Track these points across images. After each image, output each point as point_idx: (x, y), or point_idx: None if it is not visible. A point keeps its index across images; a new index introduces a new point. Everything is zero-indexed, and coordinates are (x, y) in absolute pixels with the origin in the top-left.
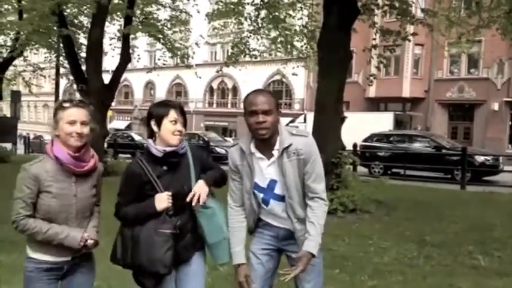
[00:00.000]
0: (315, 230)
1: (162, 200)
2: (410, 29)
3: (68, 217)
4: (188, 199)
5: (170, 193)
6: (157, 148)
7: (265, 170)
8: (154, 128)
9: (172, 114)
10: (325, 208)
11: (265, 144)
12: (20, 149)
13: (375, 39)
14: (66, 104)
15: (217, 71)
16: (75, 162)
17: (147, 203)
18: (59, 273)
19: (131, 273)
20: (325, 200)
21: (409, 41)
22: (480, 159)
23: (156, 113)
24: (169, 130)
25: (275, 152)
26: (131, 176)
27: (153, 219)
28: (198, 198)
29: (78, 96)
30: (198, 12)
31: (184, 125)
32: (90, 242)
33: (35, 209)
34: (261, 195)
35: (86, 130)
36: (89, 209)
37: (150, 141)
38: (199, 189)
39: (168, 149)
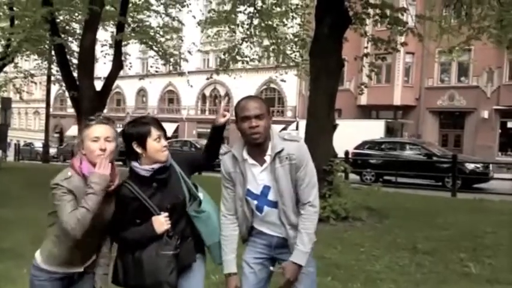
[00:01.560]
0: (303, 240)
1: (161, 223)
2: (401, 40)
3: (86, 233)
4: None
5: (166, 214)
6: (144, 169)
7: (259, 176)
8: (138, 149)
9: (154, 131)
10: (316, 216)
11: (257, 150)
12: (10, 156)
13: (366, 47)
14: (91, 122)
15: (208, 78)
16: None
17: (146, 227)
18: (70, 282)
19: None
20: (316, 206)
21: (398, 51)
22: (470, 166)
23: (136, 134)
24: (157, 149)
25: (267, 158)
26: (122, 202)
27: (154, 242)
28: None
29: (69, 103)
30: (194, 17)
31: (165, 136)
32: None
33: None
34: (254, 202)
35: (110, 146)
36: (105, 227)
37: (135, 163)
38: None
39: (156, 166)
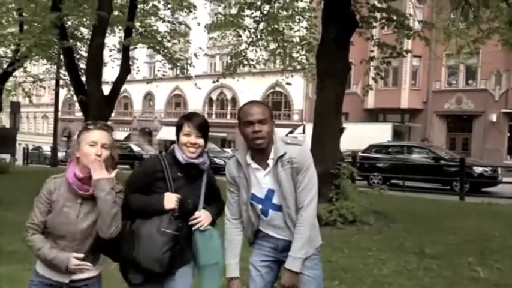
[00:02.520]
0: (296, 246)
1: (171, 200)
2: (407, 43)
3: (68, 236)
4: (192, 220)
5: (180, 197)
6: (182, 156)
7: (262, 180)
8: (175, 138)
9: (185, 127)
10: (310, 220)
11: (260, 154)
12: (19, 160)
13: (372, 51)
14: (90, 126)
15: (214, 82)
16: (79, 184)
17: (156, 197)
18: None
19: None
20: (310, 211)
21: (404, 56)
22: (479, 170)
23: (176, 126)
24: (182, 142)
25: (270, 162)
26: (148, 168)
27: (156, 217)
28: (199, 222)
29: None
30: (199, 24)
31: (203, 138)
32: (76, 266)
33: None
34: (259, 206)
35: (105, 153)
36: (90, 234)
37: (176, 146)
38: (205, 216)
39: (193, 160)
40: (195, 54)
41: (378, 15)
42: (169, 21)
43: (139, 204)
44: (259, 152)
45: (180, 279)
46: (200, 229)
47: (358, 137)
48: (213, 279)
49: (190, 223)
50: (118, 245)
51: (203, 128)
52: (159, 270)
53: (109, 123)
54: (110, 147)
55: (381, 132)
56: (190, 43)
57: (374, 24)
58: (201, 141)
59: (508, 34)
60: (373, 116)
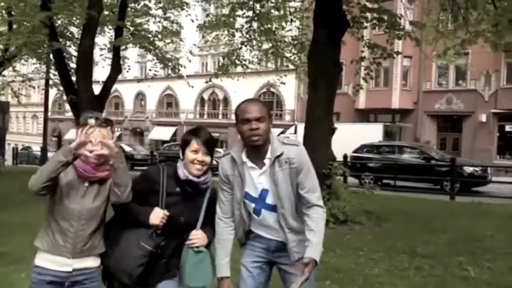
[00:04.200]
0: (316, 238)
1: (157, 216)
2: (398, 44)
3: (74, 215)
4: (189, 242)
5: (168, 213)
6: (184, 171)
7: (257, 179)
8: (181, 155)
9: (193, 144)
10: (324, 215)
11: (256, 153)
12: (8, 160)
13: (363, 51)
14: (91, 122)
15: (206, 82)
16: (85, 167)
17: (143, 210)
18: None
19: None
20: (323, 206)
21: (394, 57)
22: (469, 170)
23: (182, 141)
24: (189, 159)
25: (267, 161)
26: (145, 178)
27: (139, 228)
28: (193, 241)
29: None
30: (192, 21)
31: (210, 155)
32: (77, 144)
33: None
34: (252, 205)
35: (104, 149)
36: (94, 217)
37: (181, 162)
38: (201, 236)
39: (192, 178)
40: (190, 52)
41: (369, 15)
42: (159, 21)
43: (126, 211)
44: (255, 151)
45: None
46: (194, 249)
47: (349, 137)
48: None
49: (187, 243)
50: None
51: (210, 145)
52: (127, 282)
53: None
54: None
55: (372, 132)
56: (183, 41)
57: (365, 24)
58: (208, 159)
59: (494, 37)
60: (365, 116)
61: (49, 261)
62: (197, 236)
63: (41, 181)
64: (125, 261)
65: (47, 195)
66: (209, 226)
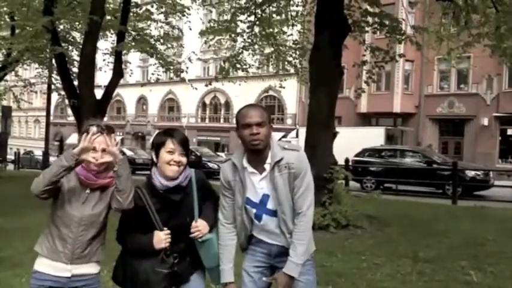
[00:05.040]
0: (296, 252)
1: (160, 240)
2: (399, 47)
3: (74, 222)
4: (192, 234)
5: (168, 232)
6: (160, 181)
7: (258, 185)
8: (154, 158)
9: (169, 144)
10: (308, 225)
11: (257, 158)
12: (10, 165)
13: (364, 55)
14: (93, 130)
15: (206, 85)
16: (87, 174)
17: (146, 239)
18: None
19: None
20: (308, 216)
21: (397, 61)
22: (471, 174)
23: (154, 143)
24: (165, 160)
25: (267, 166)
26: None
27: (151, 257)
28: (197, 233)
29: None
30: (190, 28)
31: (186, 155)
32: (80, 149)
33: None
34: (253, 211)
35: (107, 157)
36: (93, 223)
37: (154, 169)
38: (202, 226)
39: (171, 183)
40: (189, 59)
41: (370, 19)
42: (161, 26)
43: (133, 248)
44: (256, 156)
45: (192, 284)
46: (199, 240)
47: (351, 141)
48: (219, 278)
49: (191, 236)
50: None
51: (186, 144)
52: None
53: None
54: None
55: (374, 136)
56: (183, 47)
57: (366, 28)
58: (184, 159)
59: (495, 40)
60: (366, 120)
61: (48, 267)
62: (197, 228)
63: (43, 184)
64: None
65: (48, 199)
66: (208, 211)
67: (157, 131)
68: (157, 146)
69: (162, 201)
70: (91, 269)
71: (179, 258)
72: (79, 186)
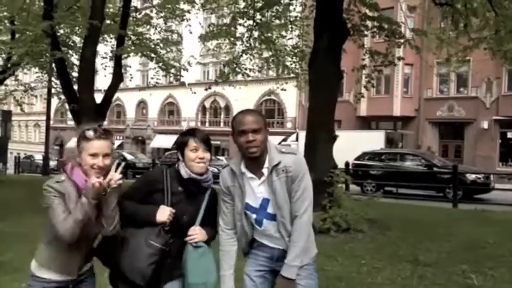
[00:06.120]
0: (291, 254)
1: (164, 213)
2: (399, 51)
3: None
4: (188, 237)
5: (174, 211)
6: (186, 170)
7: (257, 189)
8: (180, 157)
9: (191, 143)
10: (305, 229)
11: (255, 163)
12: (10, 169)
13: (363, 59)
14: (90, 135)
15: (206, 89)
16: (84, 183)
17: (149, 208)
18: None
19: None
20: (305, 219)
21: (396, 65)
22: (471, 177)
23: (178, 143)
24: (191, 158)
25: (265, 171)
26: (150, 178)
27: (147, 228)
28: (192, 236)
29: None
30: (191, 32)
31: (209, 151)
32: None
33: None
34: (253, 216)
35: (107, 162)
36: (95, 235)
37: (182, 163)
38: (200, 232)
39: (195, 176)
40: (189, 63)
41: (369, 23)
42: (159, 31)
43: (131, 211)
44: (254, 161)
45: None
46: (193, 244)
47: (351, 144)
48: None
49: (186, 239)
50: (110, 247)
51: (208, 141)
52: (140, 283)
53: None
54: (111, 154)
55: (374, 140)
56: (181, 52)
57: (366, 32)
58: (208, 155)
59: (494, 43)
60: (366, 123)
61: (55, 276)
62: (195, 232)
63: (78, 231)
64: (136, 262)
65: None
66: (210, 226)
67: (157, 135)
68: (181, 146)
69: (180, 187)
70: (89, 263)
71: (167, 254)
72: (76, 194)
